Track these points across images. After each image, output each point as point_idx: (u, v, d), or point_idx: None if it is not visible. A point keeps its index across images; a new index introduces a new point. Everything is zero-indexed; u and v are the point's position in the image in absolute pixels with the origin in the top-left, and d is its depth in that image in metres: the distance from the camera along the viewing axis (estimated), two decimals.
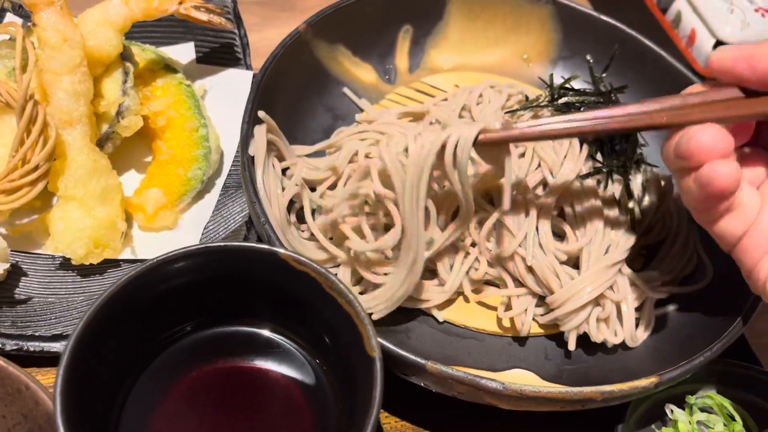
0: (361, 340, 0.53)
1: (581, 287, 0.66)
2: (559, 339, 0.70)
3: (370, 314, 0.63)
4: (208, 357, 0.59)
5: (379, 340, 0.58)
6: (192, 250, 0.53)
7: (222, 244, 0.58)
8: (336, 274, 0.56)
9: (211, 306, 0.59)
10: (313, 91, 0.83)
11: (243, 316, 0.61)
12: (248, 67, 0.84)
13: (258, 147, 0.68)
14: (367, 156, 0.73)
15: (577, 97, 0.74)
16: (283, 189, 0.70)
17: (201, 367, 0.58)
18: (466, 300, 0.71)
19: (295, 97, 0.80)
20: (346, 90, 0.86)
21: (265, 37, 0.96)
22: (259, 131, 0.69)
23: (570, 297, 0.66)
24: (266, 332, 0.61)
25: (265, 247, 0.56)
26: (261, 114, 0.70)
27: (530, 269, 0.68)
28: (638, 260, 0.77)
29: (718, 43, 0.93)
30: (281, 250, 0.56)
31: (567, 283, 0.66)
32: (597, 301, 0.67)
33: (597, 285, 0.66)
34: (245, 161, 0.67)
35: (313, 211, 0.71)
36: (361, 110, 0.85)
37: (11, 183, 0.64)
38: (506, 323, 0.70)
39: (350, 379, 0.55)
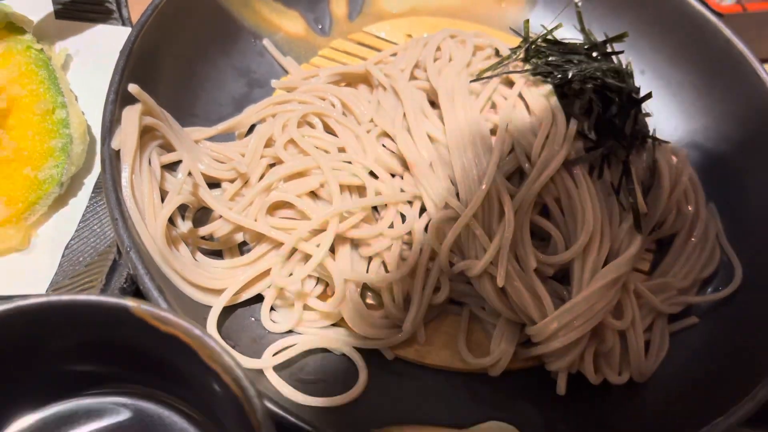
0: None
1: (572, 317, 0.48)
2: (543, 374, 0.53)
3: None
4: None
5: (294, 420, 0.42)
6: None
7: (39, 300, 0.39)
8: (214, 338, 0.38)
9: (53, 375, 0.41)
10: (218, 51, 0.63)
11: (101, 383, 0.43)
12: (126, 21, 0.63)
13: (127, 137, 0.49)
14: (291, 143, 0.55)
15: (561, 54, 0.55)
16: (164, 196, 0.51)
17: None
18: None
19: (193, 60, 0.61)
20: (266, 43, 0.67)
21: None
22: (130, 114, 0.50)
23: (558, 330, 0.49)
24: (143, 403, 0.44)
25: (111, 301, 0.38)
26: (132, 89, 0.50)
27: (503, 291, 0.50)
28: (644, 260, 0.60)
29: None
30: (134, 305, 0.38)
31: (553, 312, 0.49)
32: (595, 331, 0.50)
33: (594, 312, 0.49)
34: (107, 159, 0.48)
35: None
36: (287, 72, 0.66)
37: None
38: (471, 359, 0.52)
39: None
